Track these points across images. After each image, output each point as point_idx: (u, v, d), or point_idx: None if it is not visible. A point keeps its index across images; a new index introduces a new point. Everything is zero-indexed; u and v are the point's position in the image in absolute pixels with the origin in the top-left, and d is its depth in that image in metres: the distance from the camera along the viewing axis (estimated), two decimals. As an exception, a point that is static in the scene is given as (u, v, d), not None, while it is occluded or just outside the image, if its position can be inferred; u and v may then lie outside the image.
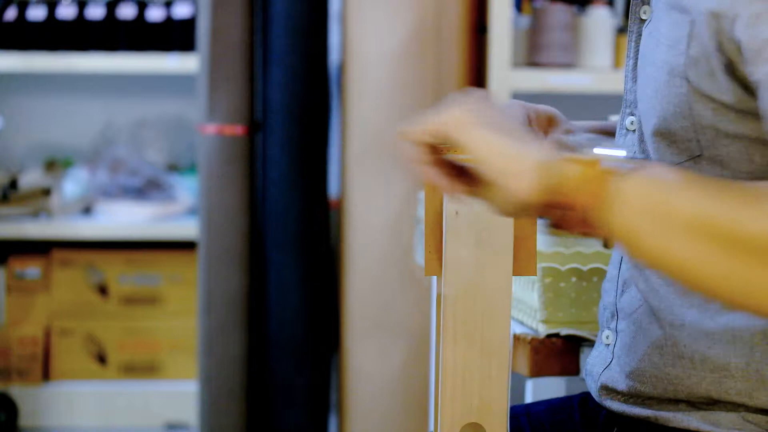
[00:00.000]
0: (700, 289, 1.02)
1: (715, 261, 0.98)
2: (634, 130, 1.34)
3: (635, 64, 1.34)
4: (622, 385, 1.34)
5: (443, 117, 1.09)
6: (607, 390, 1.37)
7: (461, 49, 2.89)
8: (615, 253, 1.38)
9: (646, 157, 1.30)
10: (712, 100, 1.20)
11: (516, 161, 1.04)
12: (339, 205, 2.95)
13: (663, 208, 1.01)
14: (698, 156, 1.23)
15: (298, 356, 2.94)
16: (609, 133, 1.48)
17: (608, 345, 1.37)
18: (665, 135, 1.24)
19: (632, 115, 1.34)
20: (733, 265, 0.98)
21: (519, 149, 1.05)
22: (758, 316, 1.13)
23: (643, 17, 1.33)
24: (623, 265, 1.36)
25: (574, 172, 1.03)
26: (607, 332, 1.38)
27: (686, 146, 1.23)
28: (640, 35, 1.33)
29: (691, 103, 1.21)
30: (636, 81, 1.33)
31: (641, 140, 1.31)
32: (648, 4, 1.32)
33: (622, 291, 1.35)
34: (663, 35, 1.25)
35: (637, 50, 1.33)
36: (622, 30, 3.05)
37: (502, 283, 1.22)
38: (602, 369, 1.38)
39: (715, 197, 1.00)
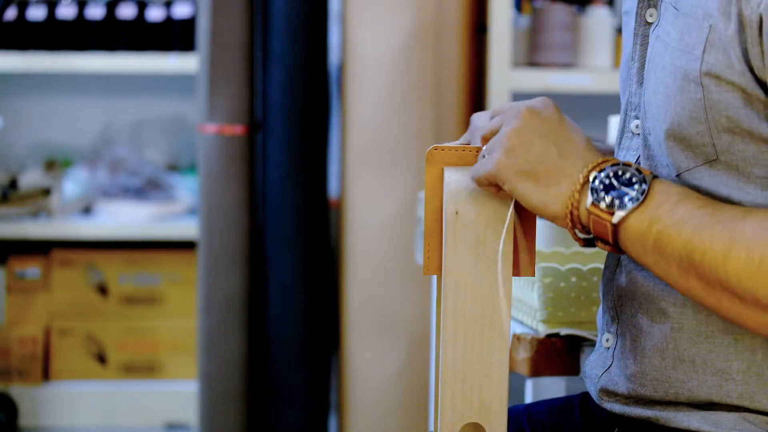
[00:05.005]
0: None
1: (704, 293, 1.19)
2: (639, 133, 1.33)
3: (640, 67, 1.33)
4: (622, 388, 1.34)
5: (492, 166, 1.23)
6: (607, 393, 1.36)
7: (461, 48, 2.89)
8: (611, 257, 1.37)
9: (652, 162, 1.30)
10: (734, 96, 1.20)
11: (545, 209, 1.23)
12: (339, 205, 2.95)
13: (661, 250, 1.19)
14: (714, 160, 1.23)
15: (298, 356, 2.94)
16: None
17: (608, 348, 1.37)
18: (680, 139, 1.24)
19: (637, 118, 1.33)
20: (718, 299, 1.18)
21: (547, 199, 1.23)
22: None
23: (649, 20, 1.32)
24: None
25: (588, 220, 1.22)
26: (606, 335, 1.38)
27: (701, 150, 1.23)
28: (646, 37, 1.32)
29: (707, 109, 1.21)
30: (642, 84, 1.32)
31: (645, 144, 1.31)
32: (654, 7, 1.31)
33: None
34: (673, 39, 1.25)
35: (643, 53, 1.33)
36: (621, 30, 3.05)
37: (502, 283, 1.22)
38: (602, 372, 1.37)
39: (703, 236, 1.17)
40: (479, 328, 1.22)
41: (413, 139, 2.82)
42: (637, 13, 1.33)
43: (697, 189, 1.25)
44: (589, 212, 1.21)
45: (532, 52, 3.01)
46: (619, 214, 1.20)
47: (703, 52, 1.21)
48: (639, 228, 1.20)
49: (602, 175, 1.21)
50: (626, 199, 1.20)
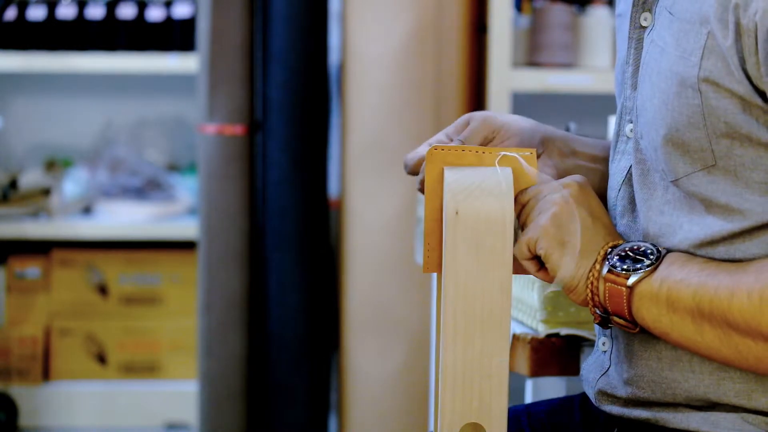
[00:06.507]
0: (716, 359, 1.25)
1: (721, 344, 1.21)
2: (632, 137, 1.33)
3: (635, 71, 1.33)
4: (620, 390, 1.34)
5: (536, 229, 1.26)
6: (605, 396, 1.36)
7: (461, 48, 2.89)
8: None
9: (643, 166, 1.30)
10: (732, 102, 1.20)
11: (570, 281, 1.27)
12: (339, 205, 2.95)
13: (674, 306, 1.23)
14: (712, 166, 1.23)
15: (298, 356, 2.94)
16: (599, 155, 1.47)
17: (605, 352, 1.37)
18: (677, 144, 1.24)
19: (631, 122, 1.33)
20: (735, 345, 1.21)
21: (575, 272, 1.27)
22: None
23: (644, 24, 1.32)
24: None
25: (605, 290, 1.26)
26: (603, 339, 1.38)
27: (700, 156, 1.23)
28: (641, 41, 1.32)
29: (705, 115, 1.21)
30: (635, 88, 1.32)
31: (637, 148, 1.31)
32: (649, 11, 1.31)
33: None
34: (669, 44, 1.24)
35: (637, 57, 1.32)
36: (615, 32, 3.04)
37: (502, 283, 1.22)
38: (599, 375, 1.37)
39: (708, 285, 1.21)
40: (479, 328, 1.22)
41: (413, 139, 2.82)
42: (631, 16, 1.33)
43: (696, 196, 1.25)
44: (605, 279, 1.25)
45: (532, 52, 3.00)
46: (633, 277, 1.24)
47: (701, 58, 1.21)
48: (651, 289, 1.24)
49: (619, 248, 1.26)
50: (641, 265, 1.24)
